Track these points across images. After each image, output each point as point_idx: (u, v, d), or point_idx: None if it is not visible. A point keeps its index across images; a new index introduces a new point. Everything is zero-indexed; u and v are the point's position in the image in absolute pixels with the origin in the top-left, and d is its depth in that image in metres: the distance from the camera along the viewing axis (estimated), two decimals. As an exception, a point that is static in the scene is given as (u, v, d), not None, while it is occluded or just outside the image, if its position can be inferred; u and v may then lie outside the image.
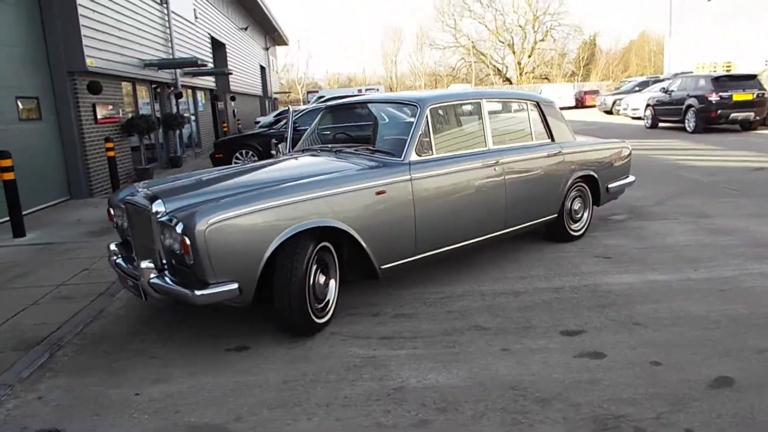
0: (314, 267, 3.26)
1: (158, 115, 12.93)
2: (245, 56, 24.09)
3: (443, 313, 3.58)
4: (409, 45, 74.31)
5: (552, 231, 5.01)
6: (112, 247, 3.64)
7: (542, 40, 47.36)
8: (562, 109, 29.17)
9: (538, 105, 4.78)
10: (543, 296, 3.79)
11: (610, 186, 5.35)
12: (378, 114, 4.30)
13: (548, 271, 4.29)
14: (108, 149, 8.97)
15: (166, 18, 13.15)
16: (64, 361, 3.12)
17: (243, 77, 23.20)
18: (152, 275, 3.05)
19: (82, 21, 8.59)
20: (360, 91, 31.56)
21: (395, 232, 3.60)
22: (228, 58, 20.54)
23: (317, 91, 34.53)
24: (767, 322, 3.20)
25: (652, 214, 6.01)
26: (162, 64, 11.79)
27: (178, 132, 13.88)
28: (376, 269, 3.55)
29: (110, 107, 9.81)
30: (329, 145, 4.45)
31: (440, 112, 4.10)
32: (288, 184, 3.30)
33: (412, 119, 3.90)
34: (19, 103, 7.69)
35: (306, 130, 5.17)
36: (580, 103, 31.22)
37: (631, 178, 5.72)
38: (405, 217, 3.64)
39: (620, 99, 22.23)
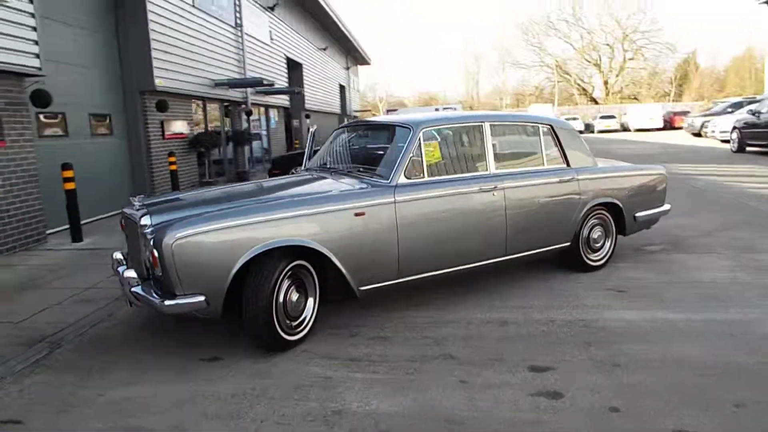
0: (286, 285, 3.34)
1: (228, 131, 13.72)
2: (323, 75, 24.95)
3: (420, 339, 3.53)
4: (492, 64, 73.72)
5: (568, 260, 4.79)
6: (117, 255, 3.92)
7: (632, 59, 45.26)
8: (648, 131, 28.13)
9: (552, 129, 4.61)
10: (531, 328, 3.63)
11: (638, 215, 5.03)
12: (377, 136, 4.34)
13: (549, 302, 4.10)
14: (171, 163, 9.64)
15: (240, 40, 13.97)
16: (56, 359, 3.40)
17: (319, 95, 24.02)
18: (134, 284, 3.27)
19: (153, 45, 9.35)
20: (437, 110, 31.74)
21: (376, 254, 3.61)
22: (304, 78, 21.40)
23: (396, 110, 35.06)
24: (765, 374, 2.88)
25: (694, 246, 5.57)
26: (230, 84, 12.51)
27: (247, 148, 14.61)
28: (354, 290, 3.58)
29: (178, 124, 10.55)
30: (335, 165, 4.55)
31: (434, 135, 4.07)
32: (260, 204, 3.43)
33: (404, 143, 3.91)
34: (92, 120, 8.48)
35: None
36: (668, 125, 29.45)
37: (665, 207, 5.35)
38: (387, 240, 3.64)
39: (708, 121, 20.74)
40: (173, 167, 9.62)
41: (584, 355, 3.20)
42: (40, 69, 6.55)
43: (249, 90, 14.39)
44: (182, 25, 10.57)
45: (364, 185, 3.77)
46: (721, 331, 3.45)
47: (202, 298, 3.10)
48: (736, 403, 2.60)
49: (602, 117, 34.36)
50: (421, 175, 3.87)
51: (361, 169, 4.04)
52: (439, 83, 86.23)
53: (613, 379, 2.89)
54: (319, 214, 3.43)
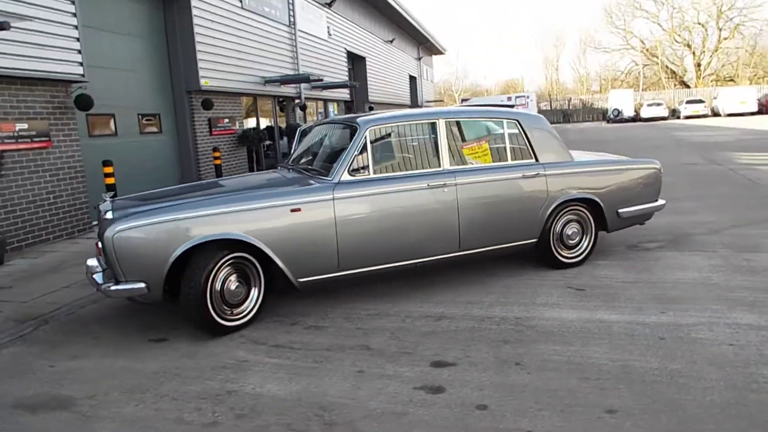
0: (224, 274, 3.64)
1: (282, 126, 14.36)
2: (389, 67, 25.17)
3: (351, 330, 3.70)
4: (572, 49, 70.24)
5: (542, 256, 4.72)
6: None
7: (727, 38, 41.26)
8: (740, 115, 26.00)
9: (519, 124, 4.56)
10: (462, 324, 3.68)
11: (623, 211, 4.85)
12: (336, 134, 4.52)
13: (501, 299, 4.11)
14: (215, 158, 10.33)
15: (294, 37, 14.51)
16: (36, 335, 3.92)
17: (385, 87, 24.28)
18: (94, 271, 3.71)
19: (198, 47, 10.03)
20: (509, 98, 31.01)
21: (313, 248, 3.81)
22: (368, 70, 21.75)
23: (469, 99, 34.65)
24: (662, 380, 2.78)
25: (693, 244, 5.25)
26: (278, 80, 13.05)
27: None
28: (293, 282, 3.81)
29: (226, 120, 11.24)
30: (300, 163, 4.78)
31: (384, 133, 4.19)
32: (201, 200, 3.75)
33: (351, 141, 4.07)
34: (141, 119, 9.29)
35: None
36: (765, 109, 26.78)
37: (658, 203, 5.10)
38: (325, 235, 3.83)
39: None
40: (217, 162, 10.29)
41: (493, 353, 3.23)
42: (83, 76, 7.30)
43: (303, 85, 14.93)
44: (229, 26, 11.20)
45: (307, 182, 3.99)
46: (651, 334, 3.33)
47: (142, 285, 3.47)
48: (609, 410, 2.56)
49: (688, 102, 31.80)
50: (366, 172, 4.01)
51: (314, 167, 4.25)
52: (519, 70, 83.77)
53: (501, 378, 2.92)
54: (255, 210, 3.69)
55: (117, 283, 3.48)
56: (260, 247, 3.65)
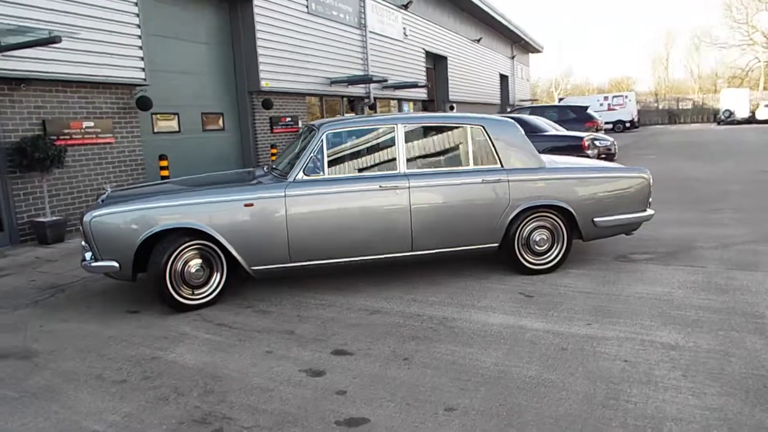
0: (184, 258, 4.13)
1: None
2: (475, 67, 24.99)
3: (291, 316, 4.05)
4: (683, 45, 64.33)
5: (509, 261, 4.76)
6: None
7: None
8: None
9: (484, 130, 4.62)
10: (390, 319, 3.89)
11: (599, 220, 4.74)
12: (304, 137, 4.85)
13: (447, 299, 4.24)
14: (272, 154, 11.10)
15: (364, 39, 15.03)
16: (48, 301, 4.68)
17: (469, 87, 24.16)
18: (85, 250, 4.37)
19: (259, 51, 10.84)
20: (605, 98, 29.50)
21: (265, 240, 4.21)
22: (449, 70, 21.82)
23: (562, 98, 33.40)
24: (526, 387, 2.84)
25: (687, 258, 4.98)
26: (344, 81, 13.60)
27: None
28: (247, 269, 4.23)
29: (288, 119, 11.99)
30: (279, 164, 5.16)
31: (342, 137, 4.47)
32: (169, 193, 4.27)
33: (309, 144, 4.41)
34: (204, 118, 10.24)
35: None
36: None
37: (645, 214, 4.90)
38: (276, 229, 4.20)
39: None
40: (273, 158, 11.05)
41: (393, 347, 3.42)
42: (144, 79, 8.28)
43: (373, 85, 15.41)
44: (293, 30, 11.92)
45: (266, 181, 4.39)
46: (554, 344, 3.34)
47: (115, 263, 4.06)
48: (449, 407, 2.69)
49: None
50: (321, 173, 4.33)
51: (280, 167, 4.64)
52: (628, 68, 78.42)
53: (380, 370, 3.12)
54: (213, 203, 4.16)
55: (95, 260, 4.10)
56: (215, 236, 4.11)
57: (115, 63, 7.82)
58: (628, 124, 28.01)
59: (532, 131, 10.49)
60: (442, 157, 4.63)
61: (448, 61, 21.70)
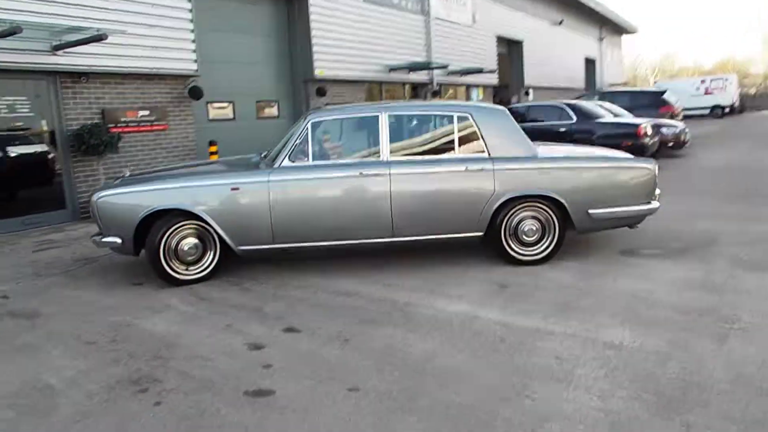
0: (178, 236, 4.48)
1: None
2: (555, 51, 23.94)
3: (268, 295, 4.28)
4: None
5: (496, 251, 4.69)
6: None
7: None
8: None
9: (471, 117, 4.56)
10: (356, 302, 4.00)
11: (594, 212, 4.54)
12: (294, 125, 5.02)
13: (420, 284, 4.28)
14: (325, 141, 11.41)
15: (427, 26, 14.94)
16: (76, 272, 5.24)
17: (548, 72, 23.22)
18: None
19: (314, 40, 11.16)
20: (703, 82, 27.19)
21: (250, 221, 4.46)
22: (525, 55, 21.11)
23: (656, 82, 31.19)
24: (441, 374, 2.87)
25: (700, 254, 4.64)
26: (403, 68, 13.63)
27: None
28: (234, 248, 4.52)
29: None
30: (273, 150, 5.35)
31: (328, 125, 4.60)
32: (165, 176, 4.63)
33: (295, 131, 4.59)
34: (259, 106, 10.76)
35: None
36: None
37: (648, 206, 4.63)
38: (260, 211, 4.43)
39: None
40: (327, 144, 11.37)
41: (341, 328, 3.54)
42: (196, 71, 8.87)
43: (437, 71, 15.32)
44: (350, 19, 12.13)
45: (254, 167, 4.64)
46: (495, 335, 3.31)
47: (118, 239, 4.50)
48: (354, 387, 2.78)
49: None
50: (306, 160, 4.51)
51: (271, 154, 4.85)
52: (738, 48, 71.11)
53: (316, 348, 3.27)
54: (203, 186, 4.48)
55: (102, 236, 4.57)
56: (204, 217, 4.42)
57: (168, 56, 8.45)
58: (727, 110, 25.60)
59: (586, 117, 10.03)
60: (428, 146, 4.63)
61: (524, 46, 20.98)
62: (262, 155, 5.09)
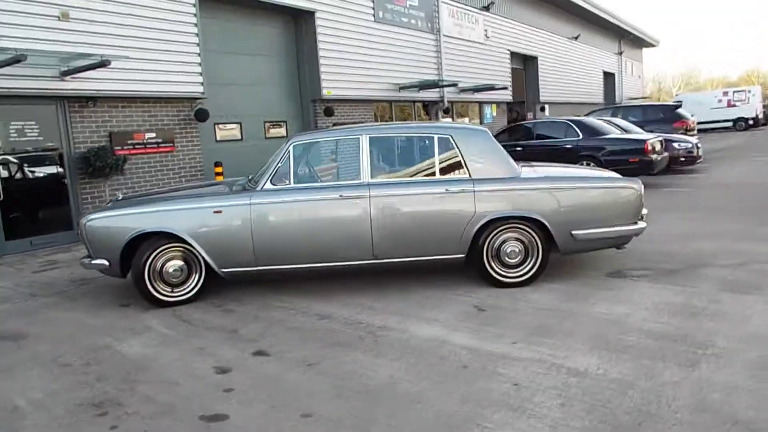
0: (163, 259, 4.56)
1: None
2: (571, 66, 23.82)
3: (249, 317, 4.31)
4: None
5: (479, 274, 4.65)
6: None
7: None
8: None
9: (451, 138, 4.56)
10: (333, 325, 4.00)
11: (578, 233, 4.48)
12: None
13: (403, 309, 4.25)
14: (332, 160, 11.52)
15: (437, 44, 15.03)
16: (69, 292, 5.37)
17: (564, 87, 23.09)
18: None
19: (321, 61, 11.34)
20: (725, 94, 26.66)
21: (232, 244, 4.52)
22: (540, 70, 21.05)
23: (678, 95, 30.74)
24: (394, 400, 2.85)
25: (686, 277, 4.52)
26: (412, 86, 13.70)
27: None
28: (217, 270, 4.58)
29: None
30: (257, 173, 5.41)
31: (310, 148, 4.66)
32: (151, 200, 4.73)
33: (277, 154, 4.65)
34: (267, 126, 10.93)
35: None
36: None
37: (634, 227, 4.55)
38: (242, 234, 4.49)
39: None
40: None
41: (310, 352, 3.55)
42: (203, 93, 9.07)
43: (447, 89, 15.36)
44: (359, 39, 12.29)
45: (236, 189, 4.71)
46: (460, 360, 3.28)
47: (105, 261, 4.60)
48: (307, 413, 2.78)
49: None
50: (287, 182, 4.56)
51: (255, 177, 4.92)
52: (759, 60, 69.51)
53: (282, 372, 3.28)
54: (186, 210, 4.55)
55: (90, 258, 4.68)
56: (188, 240, 4.50)
57: (174, 79, 8.68)
58: (750, 122, 25.00)
59: (592, 134, 9.93)
60: (408, 168, 4.65)
61: (539, 61, 20.93)
62: (249, 178, 5.16)
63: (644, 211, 4.69)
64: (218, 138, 10.05)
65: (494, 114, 18.62)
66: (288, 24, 11.37)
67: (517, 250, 4.54)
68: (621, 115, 13.99)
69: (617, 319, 3.76)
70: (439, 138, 4.59)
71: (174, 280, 4.64)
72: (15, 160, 7.32)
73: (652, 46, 33.65)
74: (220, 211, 4.52)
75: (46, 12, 7.17)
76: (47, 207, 7.70)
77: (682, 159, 11.03)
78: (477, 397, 2.83)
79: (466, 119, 17.24)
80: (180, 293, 4.67)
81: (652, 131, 12.21)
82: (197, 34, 8.96)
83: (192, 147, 9.22)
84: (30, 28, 6.94)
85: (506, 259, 4.55)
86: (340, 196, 4.48)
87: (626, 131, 11.08)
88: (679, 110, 13.76)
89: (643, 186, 4.62)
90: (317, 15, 11.28)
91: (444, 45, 15.24)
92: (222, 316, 4.37)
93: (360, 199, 4.46)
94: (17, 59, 6.16)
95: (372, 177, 4.54)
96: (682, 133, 12.43)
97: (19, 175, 7.36)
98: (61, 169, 7.71)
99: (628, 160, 9.25)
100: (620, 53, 29.51)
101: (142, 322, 4.33)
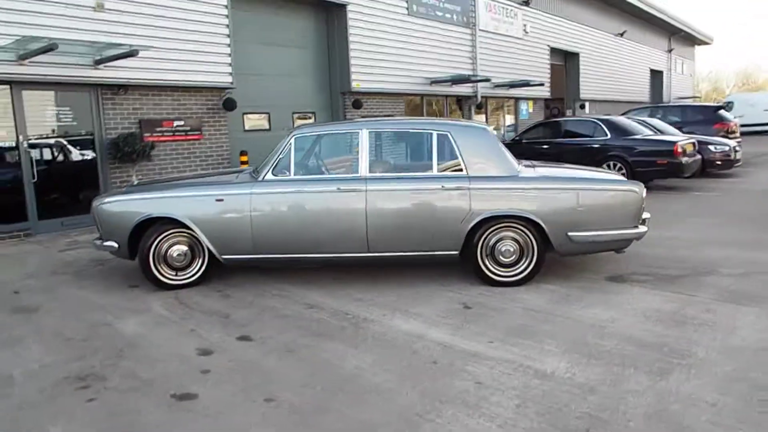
0: (168, 243, 4.76)
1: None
2: (616, 63, 23.10)
3: (244, 303, 4.45)
4: None
5: (474, 271, 4.65)
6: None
7: None
8: None
9: (450, 135, 4.56)
10: (318, 315, 4.10)
11: (575, 235, 4.42)
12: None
13: (391, 302, 4.31)
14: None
15: (473, 38, 14.88)
16: (85, 272, 5.66)
17: (607, 84, 22.44)
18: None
19: (351, 54, 11.42)
20: (781, 95, 25.27)
21: (232, 232, 4.67)
22: (581, 67, 20.53)
23: (729, 95, 29.41)
24: (357, 390, 2.92)
25: (687, 284, 4.41)
26: (444, 80, 13.62)
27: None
28: (218, 257, 4.74)
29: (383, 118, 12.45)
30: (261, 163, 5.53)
31: (308, 141, 4.75)
32: (158, 187, 4.93)
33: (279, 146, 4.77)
34: (295, 117, 11.12)
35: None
36: None
37: (635, 231, 4.46)
38: (242, 222, 4.63)
39: None
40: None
41: (294, 340, 3.65)
42: (231, 83, 9.31)
43: (481, 84, 15.20)
44: (390, 33, 12.30)
45: (240, 179, 4.85)
46: (430, 356, 3.31)
47: (115, 244, 4.84)
48: (269, 397, 2.89)
49: None
50: (288, 173, 4.67)
51: (259, 168, 5.05)
52: None
53: (260, 357, 3.40)
54: (190, 197, 4.73)
55: (101, 240, 4.93)
56: (190, 226, 4.67)
57: (204, 69, 8.93)
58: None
59: (621, 134, 9.68)
60: (407, 163, 4.70)
61: (581, 58, 20.41)
62: (255, 168, 5.30)
63: (646, 215, 4.58)
64: (246, 127, 10.30)
65: (530, 110, 18.31)
66: (319, 16, 11.50)
67: (511, 249, 4.52)
68: (660, 115, 13.52)
69: (602, 323, 3.71)
70: (437, 134, 4.61)
71: (177, 264, 4.83)
72: (49, 144, 7.72)
73: (706, 44, 32.25)
74: (222, 200, 4.67)
75: (82, 2, 7.51)
76: (78, 189, 8.08)
77: (718, 162, 10.60)
78: (437, 392, 2.87)
79: (482, 121, 17.01)
80: (183, 277, 4.86)
81: (693, 133, 11.79)
82: (227, 26, 9.18)
83: (219, 135, 9.48)
84: (66, 18, 7.28)
85: (501, 258, 4.54)
86: (338, 189, 4.56)
87: (660, 132, 10.74)
88: (721, 112, 13.20)
89: (645, 190, 4.52)
90: (349, 8, 11.36)
91: (479, 40, 15.07)
92: (219, 301, 4.54)
93: (357, 193, 4.53)
94: (50, 48, 6.49)
95: (370, 171, 4.60)
96: (722, 136, 11.93)
97: (52, 159, 7.77)
98: (92, 154, 8.09)
99: (657, 162, 8.98)
100: (670, 51, 28.43)
101: (145, 302, 4.54)
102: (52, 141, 7.74)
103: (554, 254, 4.62)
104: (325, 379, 3.08)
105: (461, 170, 4.55)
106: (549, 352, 3.30)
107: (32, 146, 7.42)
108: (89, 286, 5.09)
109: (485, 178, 4.49)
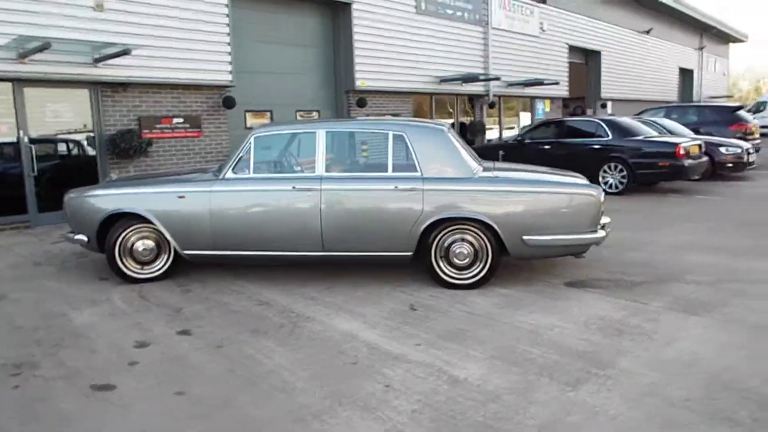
0: (134, 238, 4.89)
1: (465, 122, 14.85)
2: (641, 61, 22.50)
3: (200, 298, 4.54)
4: None
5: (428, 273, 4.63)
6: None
7: None
8: None
9: (405, 136, 4.54)
10: (265, 312, 4.16)
11: (529, 239, 4.35)
12: None
13: (339, 302, 4.33)
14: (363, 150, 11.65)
15: (485, 37, 14.72)
16: (70, 264, 5.85)
17: (631, 83, 21.89)
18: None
19: (356, 52, 11.47)
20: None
21: (193, 228, 4.76)
22: (603, 66, 20.08)
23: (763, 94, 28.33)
24: (267, 389, 2.96)
25: (644, 291, 4.29)
26: (452, 79, 13.52)
27: (481, 137, 15.36)
28: (178, 251, 4.85)
29: (388, 117, 12.44)
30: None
31: (269, 140, 4.80)
32: (123, 183, 5.05)
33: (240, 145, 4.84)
34: (298, 115, 11.22)
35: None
36: None
37: (593, 236, 4.36)
38: (201, 219, 4.72)
39: None
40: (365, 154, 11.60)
41: (229, 335, 3.72)
42: (231, 81, 9.46)
43: (494, 83, 15.04)
44: (397, 31, 12.28)
45: (202, 177, 4.94)
46: (357, 357, 3.32)
47: (85, 237, 5.00)
48: (180, 392, 2.95)
49: None
50: (247, 172, 4.74)
51: (222, 166, 5.13)
52: None
53: (187, 353, 3.46)
54: (154, 193, 4.85)
55: (73, 233, 5.09)
56: (153, 221, 4.79)
57: (204, 68, 9.11)
58: None
59: (623, 135, 9.44)
60: (363, 163, 4.71)
61: (602, 56, 19.97)
62: (219, 167, 5.40)
63: (605, 219, 4.48)
64: (248, 125, 10.43)
65: (547, 109, 18.02)
66: (324, 14, 11.56)
67: (465, 252, 4.48)
68: (676, 115, 13.11)
69: (540, 330, 3.65)
70: (393, 134, 4.60)
71: (143, 258, 4.96)
72: (50, 140, 7.99)
73: (740, 41, 31.09)
74: (183, 197, 4.77)
75: (82, 2, 7.74)
76: (78, 184, 8.24)
77: (729, 165, 10.23)
78: (342, 394, 2.89)
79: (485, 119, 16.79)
80: (150, 271, 4.99)
81: (710, 134, 11.43)
82: (228, 24, 9.33)
83: (219, 132, 9.65)
84: (66, 17, 7.53)
85: (455, 260, 4.51)
86: (293, 188, 4.60)
87: (670, 133, 10.43)
88: (740, 112, 12.72)
89: (603, 193, 4.42)
90: (353, 7, 11.39)
91: (492, 38, 14.91)
92: (178, 295, 4.63)
93: (311, 192, 4.56)
94: (44, 47, 6.72)
95: (326, 171, 4.63)
96: (738, 137, 11.51)
97: (53, 154, 8.05)
98: (92, 150, 8.34)
99: (658, 164, 8.74)
100: (701, 48, 27.52)
101: (107, 294, 4.68)
102: (51, 137, 8.02)
103: (512, 259, 4.57)
104: (243, 376, 3.12)
105: (415, 171, 4.53)
106: (472, 358, 3.27)
107: (33, 141, 7.70)
108: (64, 278, 5.26)
109: (439, 180, 4.46)
